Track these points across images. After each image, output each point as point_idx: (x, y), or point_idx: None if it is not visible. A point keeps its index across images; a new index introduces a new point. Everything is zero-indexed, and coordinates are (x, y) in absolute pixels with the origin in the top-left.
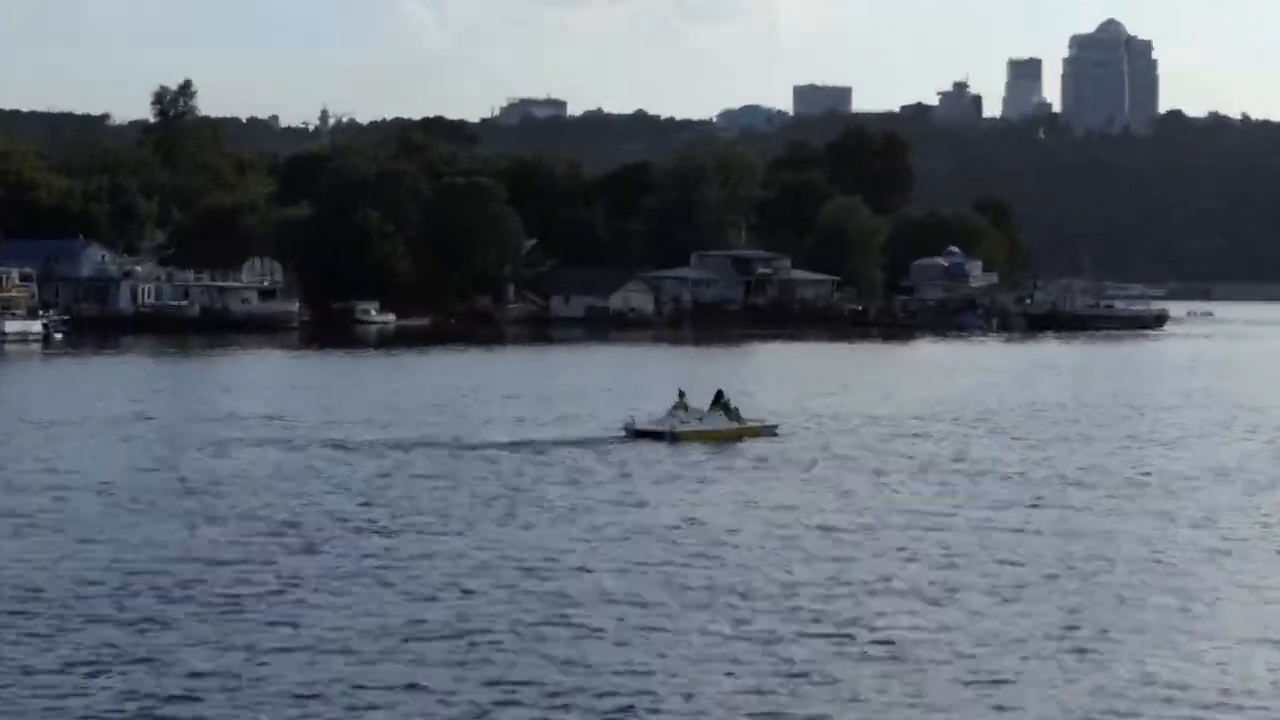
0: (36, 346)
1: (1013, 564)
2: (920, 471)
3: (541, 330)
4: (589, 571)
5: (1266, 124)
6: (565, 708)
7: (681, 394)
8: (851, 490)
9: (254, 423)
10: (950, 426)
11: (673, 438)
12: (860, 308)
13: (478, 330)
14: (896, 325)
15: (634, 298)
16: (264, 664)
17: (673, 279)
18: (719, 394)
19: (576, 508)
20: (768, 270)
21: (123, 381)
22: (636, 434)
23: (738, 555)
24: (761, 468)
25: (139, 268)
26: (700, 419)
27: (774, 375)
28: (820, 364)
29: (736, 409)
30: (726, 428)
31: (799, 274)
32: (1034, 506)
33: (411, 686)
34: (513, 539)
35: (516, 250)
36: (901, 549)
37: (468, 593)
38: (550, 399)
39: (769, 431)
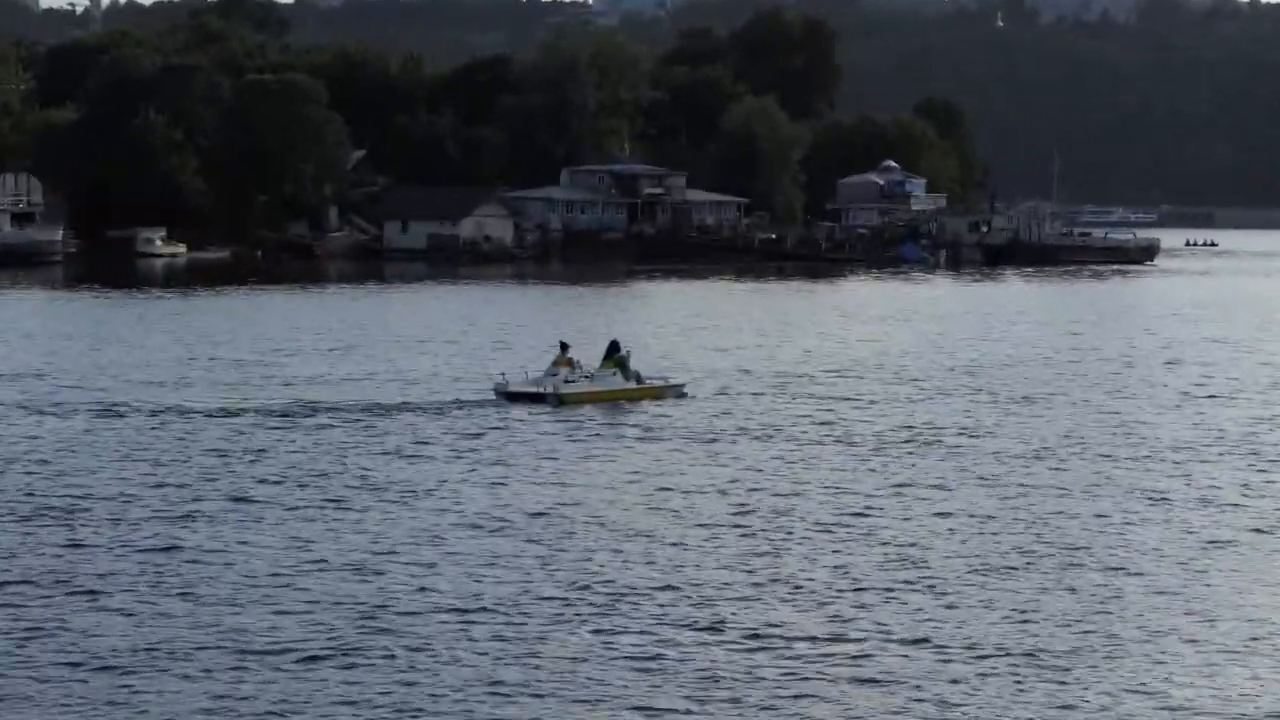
0: None
1: (959, 557)
2: (849, 442)
3: (373, 265)
4: (428, 569)
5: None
6: None
7: (564, 346)
8: (765, 466)
9: (5, 382)
10: (885, 387)
11: (556, 400)
12: (775, 237)
13: (291, 265)
14: (820, 259)
15: (490, 225)
16: (9, 688)
17: (539, 201)
18: (613, 346)
19: (419, 489)
20: (658, 190)
21: None
22: (510, 396)
23: (617, 548)
24: (660, 437)
25: None
26: (590, 377)
27: (667, 322)
28: (725, 308)
29: (635, 367)
30: (622, 388)
31: (697, 195)
32: (986, 485)
33: None
34: (333, 529)
35: (340, 166)
36: (823, 539)
37: (269, 598)
38: (387, 352)
39: (675, 392)
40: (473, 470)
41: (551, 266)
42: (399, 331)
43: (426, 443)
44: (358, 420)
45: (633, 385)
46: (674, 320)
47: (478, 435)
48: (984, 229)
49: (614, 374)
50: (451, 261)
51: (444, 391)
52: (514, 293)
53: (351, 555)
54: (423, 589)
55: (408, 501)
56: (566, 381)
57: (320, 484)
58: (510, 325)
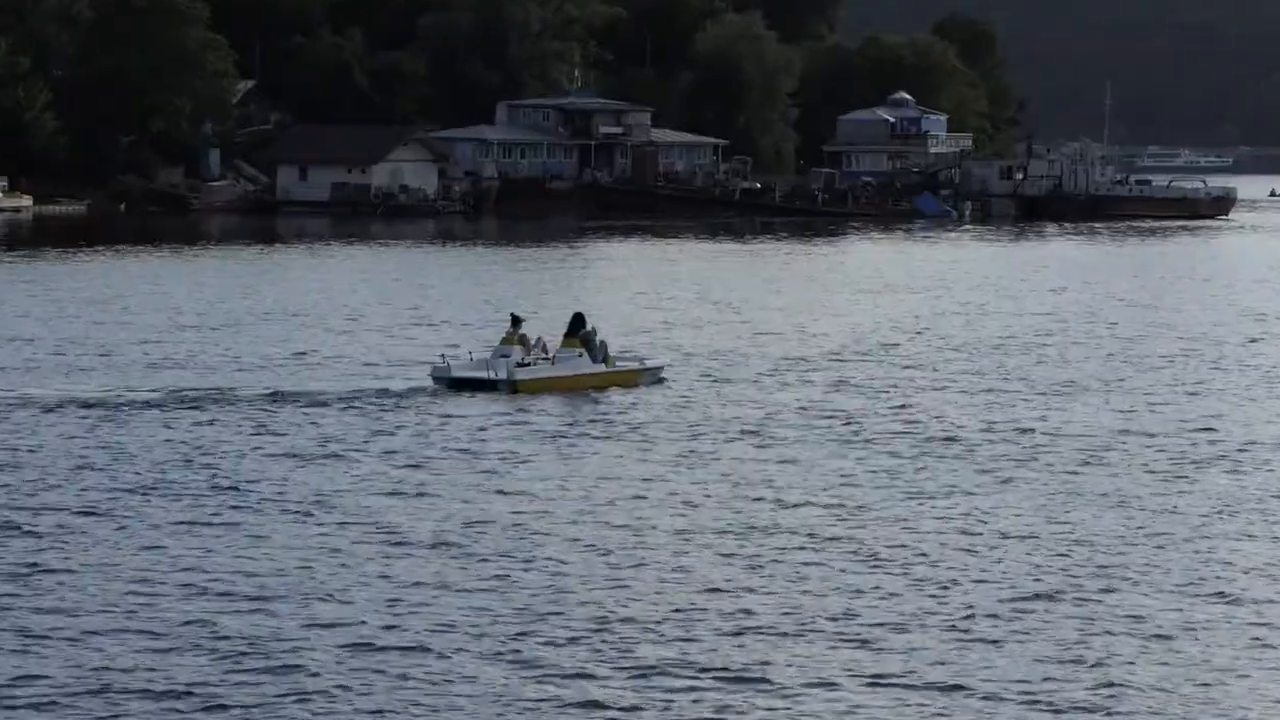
0: None
1: (979, 582)
2: (855, 441)
3: (264, 222)
4: (325, 600)
5: None
6: None
7: (515, 321)
8: (757, 469)
9: None
10: (897, 373)
11: (509, 387)
12: (760, 187)
13: (163, 222)
14: (817, 214)
15: (408, 172)
16: None
17: (469, 143)
18: (577, 321)
19: (325, 499)
20: (616, 130)
21: None
22: (453, 383)
23: (561, 569)
24: (634, 434)
25: None
26: (550, 359)
27: (629, 292)
28: (701, 275)
29: (604, 343)
30: (589, 372)
31: (665, 135)
32: (1011, 489)
33: None
34: (212, 547)
35: (224, 100)
36: (822, 561)
37: (130, 629)
38: (284, 329)
39: (652, 377)
40: (397, 476)
41: (484, 223)
42: (298, 303)
43: (337, 440)
44: (248, 414)
45: (601, 369)
46: (638, 290)
47: (407, 432)
48: (1019, 176)
49: (579, 355)
50: (361, 217)
51: (362, 377)
52: (438, 256)
53: (234, 579)
54: (315, 621)
55: (310, 514)
56: (520, 364)
57: (197, 491)
58: (435, 297)
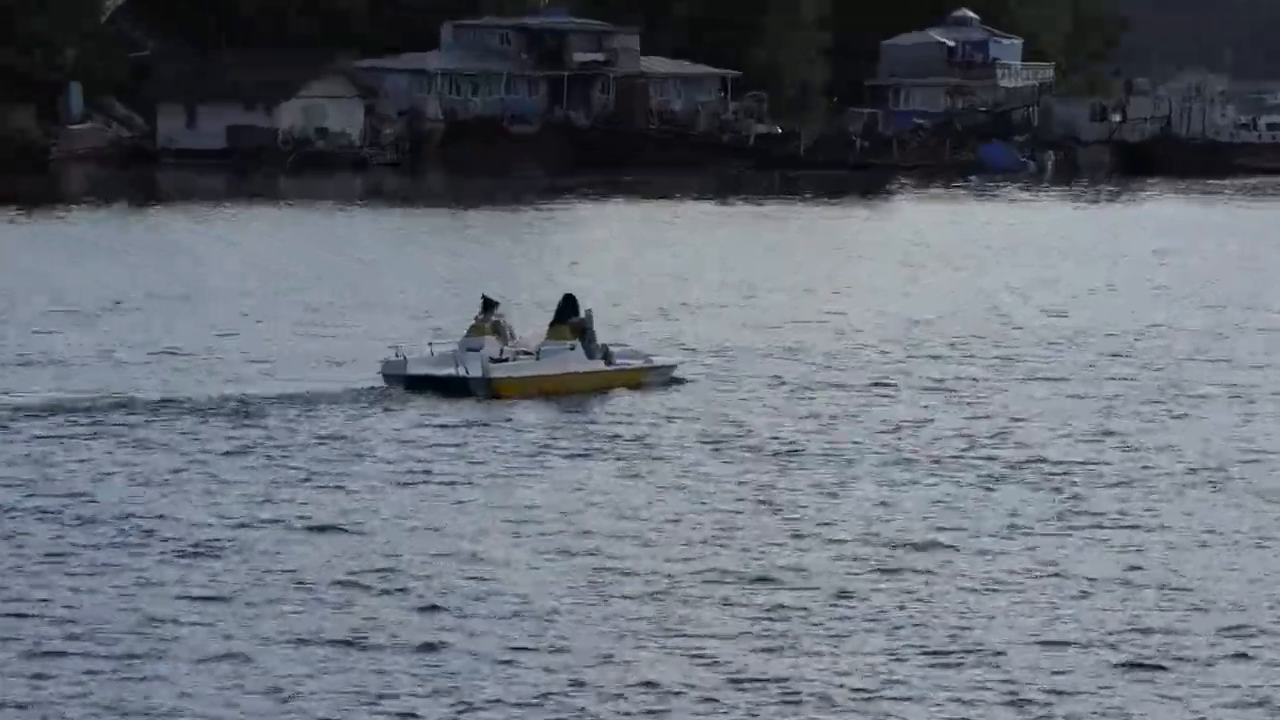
0: None
1: (1047, 645)
2: (904, 459)
3: (140, 175)
4: (218, 661)
5: None
6: None
7: (488, 304)
8: (770, 495)
9: None
10: (950, 371)
11: (485, 388)
12: (781, 132)
13: (11, 176)
14: (854, 167)
15: (327, 112)
16: None
17: (405, 74)
18: (568, 304)
19: (215, 538)
20: (596, 57)
21: None
22: (410, 383)
23: (537, 631)
24: (640, 449)
25: None
26: (534, 353)
27: (612, 269)
28: (704, 246)
29: (599, 341)
30: (585, 369)
31: (659, 65)
32: (1101, 524)
33: None
34: (83, 587)
35: (87, 19)
36: (857, 617)
37: None
38: (173, 314)
39: (662, 377)
40: (329, 504)
41: (425, 178)
42: (188, 282)
43: (242, 459)
44: (123, 427)
45: (600, 366)
46: (622, 266)
47: (346, 448)
48: (1116, 118)
49: (571, 347)
50: (266, 170)
51: (278, 378)
52: (368, 220)
53: (111, 636)
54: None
55: (210, 553)
56: (496, 360)
57: (57, 522)
58: (367, 274)
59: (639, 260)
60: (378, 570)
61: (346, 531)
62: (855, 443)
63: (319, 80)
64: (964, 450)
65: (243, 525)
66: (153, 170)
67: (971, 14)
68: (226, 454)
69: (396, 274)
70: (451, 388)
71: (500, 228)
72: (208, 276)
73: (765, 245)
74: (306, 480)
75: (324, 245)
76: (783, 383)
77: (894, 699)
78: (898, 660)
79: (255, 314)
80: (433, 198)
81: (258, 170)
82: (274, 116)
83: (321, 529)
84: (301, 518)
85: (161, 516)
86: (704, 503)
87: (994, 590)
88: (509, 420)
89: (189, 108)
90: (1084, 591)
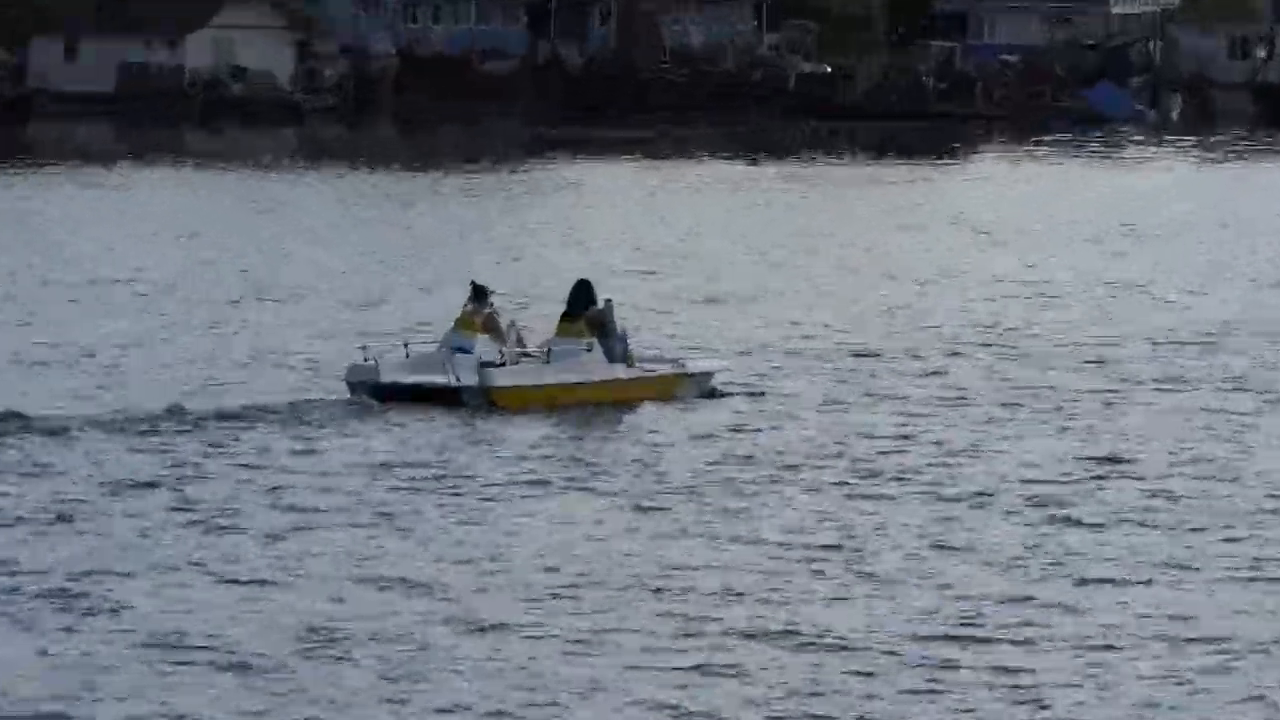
0: None
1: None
2: (958, 482)
3: (7, 128)
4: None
5: None
6: None
7: (479, 292)
8: (817, 529)
9: None
10: (1036, 377)
11: (480, 398)
12: (831, 72)
13: None
14: (922, 117)
15: (246, 46)
16: None
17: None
18: (582, 291)
19: (141, 588)
20: None
21: None
22: (383, 393)
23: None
24: (655, 480)
25: None
26: (545, 355)
27: (613, 247)
28: (729, 219)
29: (625, 332)
30: (604, 378)
31: None
32: (1228, 577)
33: None
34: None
35: None
36: (910, 675)
37: None
38: (64, 308)
39: (697, 386)
40: (286, 542)
41: (377, 129)
42: (77, 262)
43: (147, 487)
44: (18, 445)
45: (622, 372)
46: (625, 244)
47: (302, 475)
48: (1260, 55)
49: (587, 347)
50: (168, 119)
51: (209, 387)
52: (298, 183)
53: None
54: None
55: (126, 607)
56: (490, 364)
57: None
58: (306, 251)
59: (644, 237)
60: (316, 638)
61: (278, 586)
62: (912, 466)
63: (236, 6)
64: (1041, 476)
65: (127, 576)
66: (25, 122)
67: None
68: (114, 493)
69: (339, 253)
70: (437, 398)
71: (469, 192)
72: (93, 259)
73: (808, 219)
74: (231, 524)
75: (245, 216)
76: (840, 400)
77: None
78: None
79: (159, 308)
80: (383, 155)
81: (157, 120)
82: (178, 53)
83: (251, 582)
84: (226, 567)
85: (42, 572)
86: (743, 556)
87: (1099, 667)
88: (506, 438)
89: (70, 42)
90: (1225, 665)
